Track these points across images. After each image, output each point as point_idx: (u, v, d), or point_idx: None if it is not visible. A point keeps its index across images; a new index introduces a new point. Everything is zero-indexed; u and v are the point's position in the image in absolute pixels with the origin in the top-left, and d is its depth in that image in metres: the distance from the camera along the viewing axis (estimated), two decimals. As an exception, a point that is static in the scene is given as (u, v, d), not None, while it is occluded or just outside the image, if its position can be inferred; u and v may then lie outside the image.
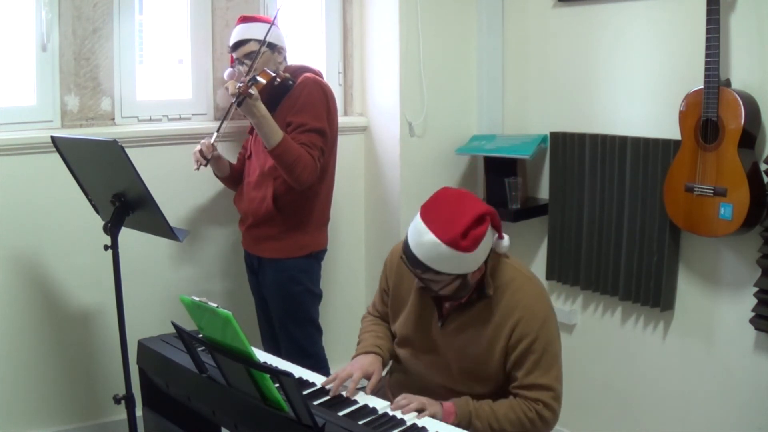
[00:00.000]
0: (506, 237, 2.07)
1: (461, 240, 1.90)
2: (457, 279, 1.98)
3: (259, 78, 2.61)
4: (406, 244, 1.98)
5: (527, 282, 2.09)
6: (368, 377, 2.10)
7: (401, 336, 2.21)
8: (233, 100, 2.57)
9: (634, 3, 2.80)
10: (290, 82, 2.78)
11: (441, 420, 1.92)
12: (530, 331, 2.00)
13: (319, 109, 2.78)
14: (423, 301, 2.15)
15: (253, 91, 2.57)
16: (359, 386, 2.06)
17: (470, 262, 1.95)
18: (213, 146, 2.81)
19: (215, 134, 2.80)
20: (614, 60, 2.89)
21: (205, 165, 2.82)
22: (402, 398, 1.96)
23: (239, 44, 2.83)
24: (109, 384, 2.95)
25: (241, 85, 2.55)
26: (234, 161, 3.07)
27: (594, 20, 2.95)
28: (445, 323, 2.11)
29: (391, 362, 2.29)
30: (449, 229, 1.90)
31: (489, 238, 1.99)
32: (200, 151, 2.80)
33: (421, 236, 1.93)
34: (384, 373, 2.23)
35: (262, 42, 2.75)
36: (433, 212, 1.95)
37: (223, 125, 2.80)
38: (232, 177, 3.01)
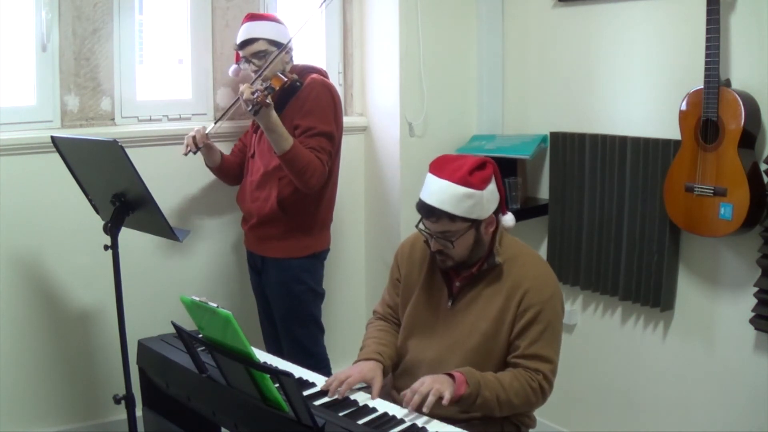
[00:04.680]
0: (510, 214, 2.18)
1: (470, 177, 2.02)
2: (471, 229, 2.04)
3: (273, 85, 2.60)
4: (419, 201, 2.07)
5: (537, 258, 2.19)
6: (367, 382, 2.08)
7: (409, 324, 2.21)
8: (248, 108, 2.54)
9: (634, 3, 2.80)
10: (298, 83, 2.77)
11: (453, 393, 1.89)
12: (538, 301, 2.05)
13: (327, 113, 2.78)
14: (432, 284, 2.19)
15: (269, 100, 2.56)
16: (359, 387, 2.06)
17: (482, 204, 2.04)
18: (207, 135, 2.82)
19: (213, 125, 2.82)
20: (614, 60, 2.89)
21: (194, 152, 2.82)
22: (409, 392, 1.90)
23: (247, 43, 2.82)
24: (109, 384, 2.95)
25: (259, 94, 2.52)
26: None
27: (594, 20, 2.95)
28: (455, 302, 2.14)
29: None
30: (456, 171, 2.03)
31: (495, 188, 2.10)
32: (193, 137, 2.81)
33: (432, 185, 2.05)
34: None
35: (279, 47, 2.77)
36: (438, 165, 2.09)
37: (225, 118, 2.82)
38: (223, 169, 2.99)
